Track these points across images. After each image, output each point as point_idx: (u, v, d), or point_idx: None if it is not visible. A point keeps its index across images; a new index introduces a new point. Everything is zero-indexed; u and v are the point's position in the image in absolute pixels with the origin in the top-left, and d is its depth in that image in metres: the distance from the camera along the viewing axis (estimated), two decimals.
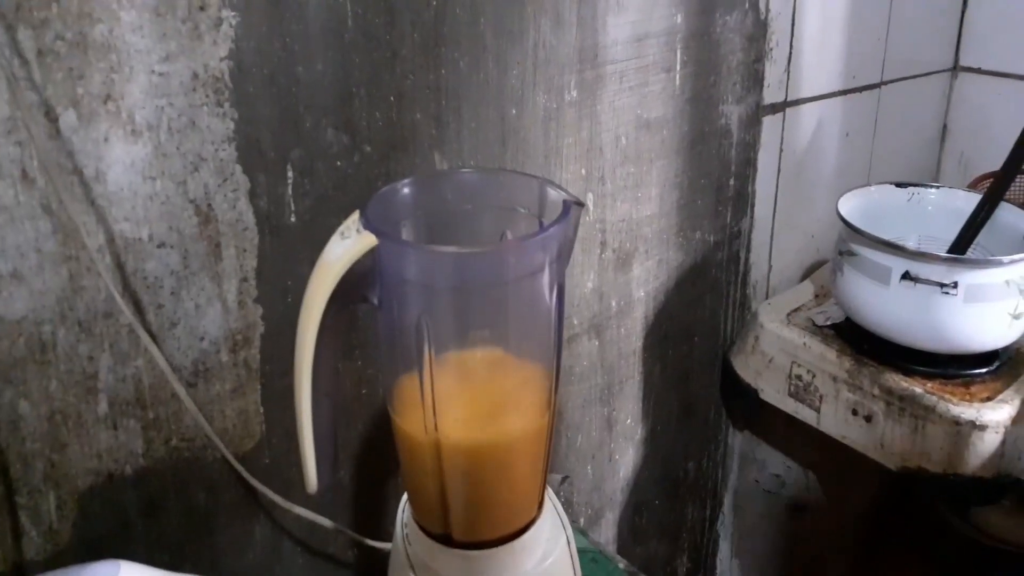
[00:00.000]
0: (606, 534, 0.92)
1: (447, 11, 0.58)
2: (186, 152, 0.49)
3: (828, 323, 0.87)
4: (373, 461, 0.64)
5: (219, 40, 0.48)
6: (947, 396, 0.76)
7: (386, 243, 0.40)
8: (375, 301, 0.43)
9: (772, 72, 0.88)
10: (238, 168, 0.51)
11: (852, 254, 0.79)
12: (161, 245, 0.49)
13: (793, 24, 0.88)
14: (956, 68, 1.17)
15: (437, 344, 0.42)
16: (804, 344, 0.85)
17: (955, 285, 0.73)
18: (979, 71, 1.15)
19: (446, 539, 0.46)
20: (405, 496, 0.50)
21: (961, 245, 0.80)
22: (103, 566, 0.42)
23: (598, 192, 0.74)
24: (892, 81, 1.06)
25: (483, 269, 0.42)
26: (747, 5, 0.82)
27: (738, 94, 0.85)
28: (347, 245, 0.40)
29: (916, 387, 0.77)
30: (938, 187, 0.88)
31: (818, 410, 0.85)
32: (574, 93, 0.69)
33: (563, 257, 0.44)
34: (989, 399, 0.76)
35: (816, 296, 0.94)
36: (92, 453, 0.50)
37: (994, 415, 0.74)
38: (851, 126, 1.02)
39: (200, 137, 0.49)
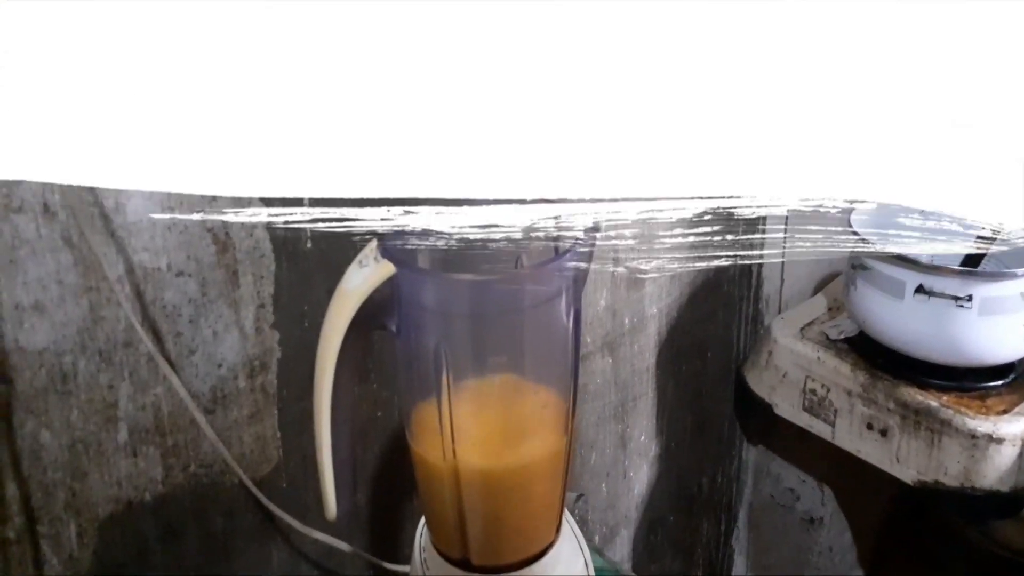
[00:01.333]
0: (621, 552, 0.92)
1: None
2: None
3: (842, 337, 0.87)
4: (390, 484, 0.64)
5: None
6: (963, 409, 0.76)
7: (404, 271, 0.41)
8: (393, 328, 0.43)
9: None
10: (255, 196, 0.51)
11: (865, 267, 0.79)
12: (179, 274, 0.49)
13: None
14: None
15: (455, 371, 0.42)
16: (818, 358, 0.85)
17: (970, 298, 0.73)
18: None
19: (464, 564, 0.46)
20: (423, 520, 0.50)
21: (975, 258, 0.80)
22: None
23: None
24: None
25: (500, 296, 0.42)
26: None
27: None
28: (366, 274, 0.40)
29: (931, 400, 0.77)
30: None
31: (833, 424, 0.85)
32: None
33: (579, 282, 0.44)
34: (1005, 412, 0.76)
35: (829, 310, 0.94)
36: (112, 481, 0.50)
37: (1011, 428, 0.74)
38: None
39: None
